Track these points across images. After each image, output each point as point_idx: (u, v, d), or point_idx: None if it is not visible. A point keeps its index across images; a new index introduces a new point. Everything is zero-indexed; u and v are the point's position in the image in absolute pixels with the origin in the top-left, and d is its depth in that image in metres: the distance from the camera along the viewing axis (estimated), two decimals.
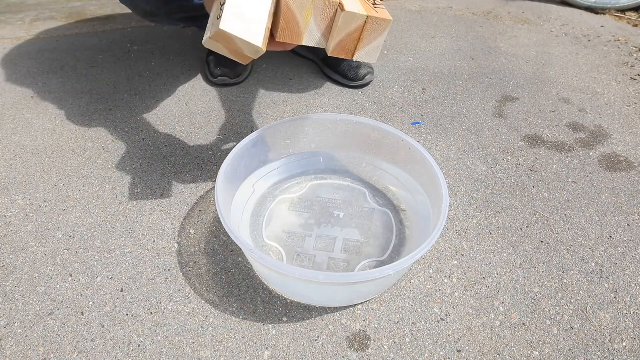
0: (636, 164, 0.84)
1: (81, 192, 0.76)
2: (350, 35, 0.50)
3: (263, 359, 0.54)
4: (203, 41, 0.48)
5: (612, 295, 0.62)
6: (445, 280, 0.63)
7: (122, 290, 0.61)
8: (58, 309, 0.59)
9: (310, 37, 0.50)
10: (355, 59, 0.52)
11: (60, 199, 0.74)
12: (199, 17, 0.91)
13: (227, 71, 1.00)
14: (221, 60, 1.01)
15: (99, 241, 0.68)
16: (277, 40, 0.49)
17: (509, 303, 0.61)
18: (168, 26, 1.25)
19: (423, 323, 0.58)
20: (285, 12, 0.47)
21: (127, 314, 0.59)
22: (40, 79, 1.04)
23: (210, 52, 1.07)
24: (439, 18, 1.38)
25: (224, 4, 0.46)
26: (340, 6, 0.48)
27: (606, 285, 0.63)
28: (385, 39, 0.55)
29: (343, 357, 0.55)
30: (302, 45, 0.53)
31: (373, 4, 0.51)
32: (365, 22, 0.49)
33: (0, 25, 1.28)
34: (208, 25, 0.49)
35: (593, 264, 0.66)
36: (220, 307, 0.59)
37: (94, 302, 0.60)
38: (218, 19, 0.46)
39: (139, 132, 0.89)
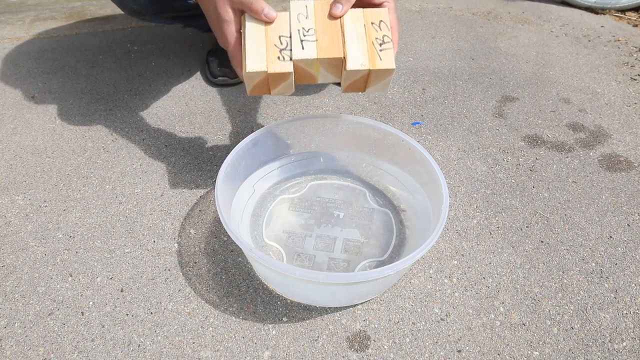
0: (636, 164, 0.84)
1: (81, 192, 0.76)
2: (358, 80, 0.54)
3: (263, 359, 0.54)
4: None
5: (612, 295, 0.62)
6: (445, 280, 0.63)
7: (122, 290, 0.61)
8: (58, 309, 0.59)
9: (324, 79, 0.55)
10: (366, 93, 0.55)
11: (60, 199, 0.74)
12: (190, 17, 0.90)
13: (227, 71, 1.00)
14: (221, 60, 1.01)
15: (99, 241, 0.68)
16: (296, 83, 0.55)
17: (509, 303, 0.61)
18: (168, 26, 1.25)
19: (423, 323, 0.58)
20: (296, 67, 0.52)
21: (127, 314, 0.59)
22: (40, 79, 1.04)
23: (211, 52, 1.07)
24: (439, 18, 1.38)
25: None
26: (344, 61, 0.51)
27: (606, 285, 0.63)
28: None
29: (343, 357, 0.55)
30: None
31: (381, 44, 0.52)
32: (369, 73, 0.52)
33: (0, 25, 1.28)
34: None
35: (593, 264, 0.66)
36: (220, 307, 0.59)
37: (94, 302, 0.60)
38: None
39: (139, 132, 0.89)
